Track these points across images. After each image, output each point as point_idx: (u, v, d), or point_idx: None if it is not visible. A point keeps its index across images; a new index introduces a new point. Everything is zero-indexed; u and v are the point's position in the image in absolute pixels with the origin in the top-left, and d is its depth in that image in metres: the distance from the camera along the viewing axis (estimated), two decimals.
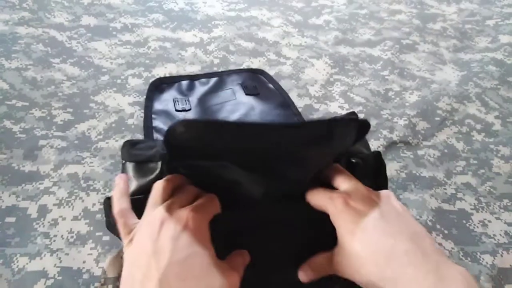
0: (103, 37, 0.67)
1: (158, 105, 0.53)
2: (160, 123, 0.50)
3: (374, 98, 0.63)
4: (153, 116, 0.51)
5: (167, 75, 0.62)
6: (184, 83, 0.58)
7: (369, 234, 0.25)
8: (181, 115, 0.52)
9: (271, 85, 0.61)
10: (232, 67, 0.65)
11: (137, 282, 0.22)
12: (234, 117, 0.52)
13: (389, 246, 0.24)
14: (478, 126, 0.59)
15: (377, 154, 0.34)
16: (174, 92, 0.56)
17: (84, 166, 0.46)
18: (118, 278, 0.36)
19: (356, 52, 0.73)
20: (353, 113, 0.32)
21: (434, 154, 0.54)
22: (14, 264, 0.36)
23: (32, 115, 0.51)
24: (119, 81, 0.59)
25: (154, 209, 0.26)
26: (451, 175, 0.51)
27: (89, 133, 0.50)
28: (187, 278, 0.22)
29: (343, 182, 0.29)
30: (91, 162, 0.46)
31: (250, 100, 0.55)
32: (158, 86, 0.56)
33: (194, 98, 0.55)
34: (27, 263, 0.36)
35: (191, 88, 0.57)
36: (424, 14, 0.87)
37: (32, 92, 0.54)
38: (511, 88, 0.67)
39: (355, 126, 0.28)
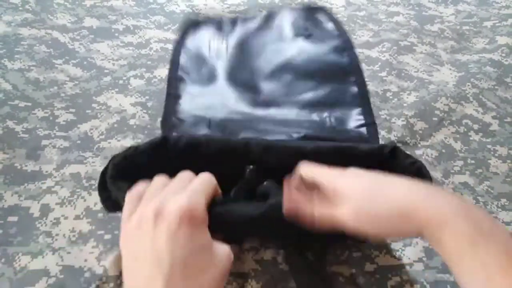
0: (106, 38, 0.68)
1: (190, 43, 0.47)
2: (187, 61, 0.45)
3: (372, 99, 0.63)
4: (181, 52, 0.46)
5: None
6: (225, 20, 0.51)
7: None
8: (215, 62, 0.45)
9: (330, 24, 0.53)
10: None
11: (142, 280, 0.22)
12: (276, 60, 0.45)
13: None
14: (476, 126, 0.60)
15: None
16: (212, 29, 0.49)
17: (86, 166, 0.46)
18: (119, 276, 0.36)
19: None
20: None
21: (431, 154, 0.54)
22: (16, 263, 0.37)
23: (35, 115, 0.51)
24: (121, 82, 0.60)
25: (150, 201, 0.25)
26: (448, 174, 0.51)
27: (91, 133, 0.51)
28: (193, 274, 0.22)
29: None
30: (93, 162, 0.47)
31: (298, 43, 0.48)
32: (194, 22, 0.49)
33: (233, 39, 0.48)
34: (29, 262, 0.37)
35: (232, 26, 0.50)
36: (421, 15, 0.88)
37: (35, 93, 0.55)
38: (508, 88, 0.67)
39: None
